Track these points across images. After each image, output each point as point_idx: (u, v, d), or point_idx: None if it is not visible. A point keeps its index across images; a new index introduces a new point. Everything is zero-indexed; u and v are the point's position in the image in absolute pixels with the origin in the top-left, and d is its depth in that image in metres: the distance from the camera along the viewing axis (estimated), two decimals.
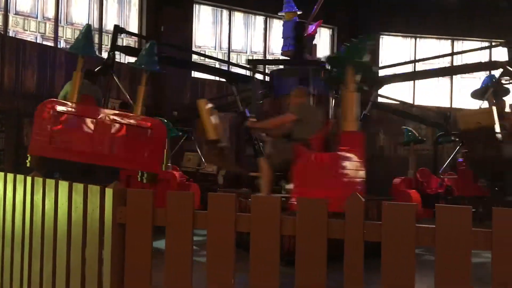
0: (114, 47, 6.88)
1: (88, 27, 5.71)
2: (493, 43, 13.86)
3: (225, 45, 12.34)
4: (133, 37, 11.17)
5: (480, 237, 1.95)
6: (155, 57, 5.94)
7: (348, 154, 4.54)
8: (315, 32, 7.05)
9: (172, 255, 2.26)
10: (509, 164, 4.96)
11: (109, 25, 10.89)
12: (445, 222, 1.99)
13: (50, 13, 10.24)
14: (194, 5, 11.96)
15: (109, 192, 2.33)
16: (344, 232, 2.11)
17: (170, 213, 2.24)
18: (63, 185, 2.70)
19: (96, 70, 6.66)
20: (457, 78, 13.93)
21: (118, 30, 7.05)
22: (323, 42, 13.66)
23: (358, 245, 2.09)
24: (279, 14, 7.84)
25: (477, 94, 6.70)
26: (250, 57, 12.70)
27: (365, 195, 4.29)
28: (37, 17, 10.04)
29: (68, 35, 10.42)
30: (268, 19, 12.75)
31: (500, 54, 13.96)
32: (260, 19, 12.70)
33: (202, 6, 12.14)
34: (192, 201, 2.25)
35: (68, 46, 10.15)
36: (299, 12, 7.35)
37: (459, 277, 1.96)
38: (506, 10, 13.05)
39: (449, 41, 13.97)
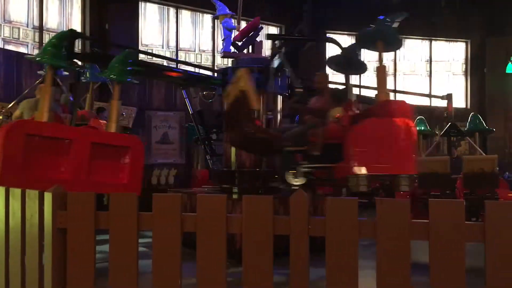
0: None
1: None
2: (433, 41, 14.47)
3: (172, 43, 12.18)
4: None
5: (418, 228, 2.04)
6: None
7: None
8: (249, 28, 7.02)
9: (117, 258, 2.21)
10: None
11: (50, 23, 10.48)
12: (385, 215, 2.06)
13: None
14: (140, 2, 11.73)
15: (48, 196, 2.24)
16: (289, 228, 2.14)
17: (113, 216, 2.19)
18: None
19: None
20: (400, 75, 14.40)
21: (75, 35, 6.63)
22: (270, 40, 13.75)
23: (303, 241, 2.12)
24: (212, 17, 7.85)
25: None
26: (199, 56, 12.61)
27: None
28: None
29: (6, 33, 9.95)
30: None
31: (439, 52, 14.59)
32: (208, 17, 12.62)
33: (148, 4, 11.93)
34: (136, 203, 2.20)
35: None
36: (231, 13, 7.37)
37: (400, 266, 2.04)
38: (444, 9, 13.63)
39: None
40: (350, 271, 2.09)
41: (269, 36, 6.86)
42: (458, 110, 13.35)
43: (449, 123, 7.17)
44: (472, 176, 5.83)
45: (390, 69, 14.51)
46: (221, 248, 2.19)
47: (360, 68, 5.69)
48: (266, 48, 12.98)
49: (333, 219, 2.10)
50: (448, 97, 7.62)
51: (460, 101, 14.52)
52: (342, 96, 5.44)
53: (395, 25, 4.96)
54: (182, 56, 12.36)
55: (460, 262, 1.97)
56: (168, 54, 12.28)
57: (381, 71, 4.98)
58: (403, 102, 4.76)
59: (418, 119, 7.74)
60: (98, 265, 2.26)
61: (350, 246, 2.09)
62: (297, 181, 4.63)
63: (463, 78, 14.70)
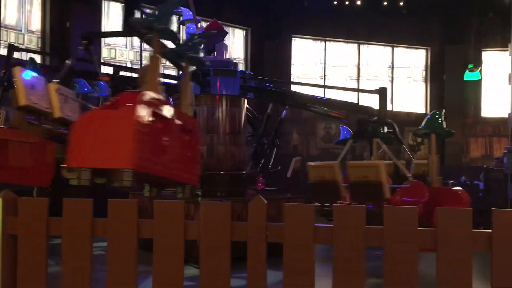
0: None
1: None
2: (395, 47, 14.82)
3: (137, 43, 12.02)
4: (35, 33, 10.51)
5: (373, 234, 2.07)
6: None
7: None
8: (207, 29, 7.02)
9: (69, 265, 2.15)
10: None
11: (8, 20, 10.14)
12: (342, 221, 2.08)
13: None
14: (103, 1, 11.51)
15: None
16: (246, 234, 2.14)
17: (66, 222, 2.13)
18: None
19: None
20: (363, 80, 14.69)
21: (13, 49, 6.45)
22: (238, 43, 13.77)
23: (260, 247, 2.12)
24: (178, 23, 7.83)
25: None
26: None
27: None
28: None
29: None
30: (180, 17, 12.62)
31: (400, 59, 14.95)
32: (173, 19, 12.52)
33: (112, 3, 11.72)
34: (90, 208, 2.15)
35: None
36: (198, 20, 7.35)
37: (356, 271, 2.06)
38: (404, 16, 13.98)
39: (356, 44, 14.69)
40: (307, 276, 2.10)
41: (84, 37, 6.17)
42: (418, 115, 13.74)
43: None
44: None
45: (353, 74, 14.79)
46: (178, 255, 2.16)
47: None
48: (232, 51, 13.03)
49: (291, 225, 2.11)
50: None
51: (420, 107, 14.93)
52: None
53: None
54: (147, 57, 12.20)
55: (413, 268, 2.01)
56: (132, 55, 12.11)
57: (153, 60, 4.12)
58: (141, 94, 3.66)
59: None
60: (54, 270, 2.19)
61: (307, 251, 2.10)
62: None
63: (423, 84, 15.11)
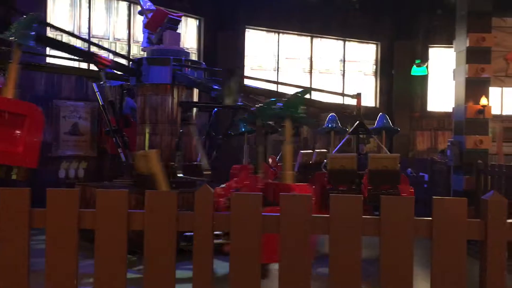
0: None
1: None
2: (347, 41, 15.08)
3: (85, 30, 11.60)
4: None
5: (319, 222, 2.09)
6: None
7: None
8: (153, 20, 6.93)
9: (5, 259, 2.05)
10: None
11: None
12: (287, 209, 2.09)
13: None
14: None
15: None
16: (193, 224, 2.10)
17: (1, 211, 2.02)
18: None
19: None
20: (315, 73, 14.86)
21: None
22: (190, 32, 13.57)
23: (207, 237, 2.09)
24: (138, 12, 7.68)
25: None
26: (113, 44, 12.12)
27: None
28: None
29: None
30: (132, 5, 12.27)
31: (352, 53, 15.24)
32: (123, 5, 12.17)
33: None
34: (27, 197, 2.05)
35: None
36: (152, 8, 7.23)
37: (302, 261, 2.08)
38: (357, 11, 14.24)
39: (309, 38, 14.83)
40: (253, 265, 2.09)
41: None
42: (368, 108, 14.04)
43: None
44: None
45: (306, 67, 14.93)
46: (121, 246, 2.10)
47: None
48: (185, 41, 12.84)
49: (238, 214, 2.10)
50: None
51: (370, 100, 15.28)
52: None
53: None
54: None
55: (356, 255, 2.05)
56: (80, 42, 11.68)
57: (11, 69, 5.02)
58: None
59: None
60: None
61: (253, 241, 2.09)
62: None
63: (373, 78, 15.47)
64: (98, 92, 7.19)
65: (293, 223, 2.07)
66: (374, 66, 15.45)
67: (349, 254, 2.04)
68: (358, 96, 7.89)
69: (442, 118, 14.50)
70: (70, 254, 2.05)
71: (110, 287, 2.07)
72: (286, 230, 2.07)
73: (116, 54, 9.13)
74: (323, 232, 2.07)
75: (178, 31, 7.67)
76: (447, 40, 12.96)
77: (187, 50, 8.10)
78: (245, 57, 14.05)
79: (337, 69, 15.19)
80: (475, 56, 7.89)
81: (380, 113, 7.78)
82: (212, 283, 2.09)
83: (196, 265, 2.09)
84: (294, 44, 14.81)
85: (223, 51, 13.19)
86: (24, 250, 2.04)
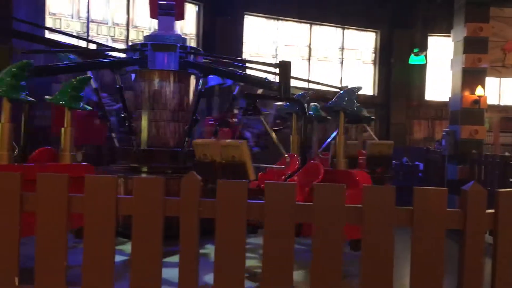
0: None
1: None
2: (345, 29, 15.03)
3: (84, 14, 11.55)
4: None
5: (302, 210, 2.14)
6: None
7: None
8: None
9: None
10: None
11: None
12: (272, 198, 2.14)
13: None
14: None
15: None
16: (179, 210, 2.15)
17: None
18: None
19: None
20: (314, 61, 14.84)
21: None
22: (189, 18, 13.52)
23: (193, 222, 2.14)
24: None
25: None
26: (112, 29, 12.09)
27: None
28: None
29: None
30: None
31: (350, 40, 15.19)
32: None
33: None
34: (18, 183, 2.10)
35: None
36: None
37: (284, 247, 2.13)
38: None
39: (308, 25, 14.78)
40: (238, 251, 2.15)
41: None
42: (366, 97, 14.08)
43: None
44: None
45: (305, 54, 14.90)
46: (110, 231, 2.16)
47: None
48: (184, 27, 12.79)
49: (223, 201, 2.15)
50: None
51: (368, 89, 15.28)
52: None
53: None
54: (94, 29, 11.78)
55: (339, 243, 2.10)
56: (78, 26, 11.63)
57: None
58: None
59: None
60: None
61: (238, 227, 2.14)
62: None
63: (372, 66, 15.45)
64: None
65: (278, 210, 2.12)
66: (373, 55, 15.41)
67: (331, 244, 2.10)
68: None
69: (439, 107, 14.52)
70: (60, 238, 2.11)
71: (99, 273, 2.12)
72: (270, 217, 2.12)
73: (113, 49, 9.06)
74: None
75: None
76: (446, 29, 12.88)
77: (184, 36, 8.04)
78: (244, 43, 14.02)
79: (335, 57, 15.16)
80: (473, 46, 7.89)
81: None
82: (197, 266, 2.14)
83: (182, 250, 2.15)
84: (293, 31, 14.76)
85: (222, 37, 13.15)
86: (14, 231, 2.10)
